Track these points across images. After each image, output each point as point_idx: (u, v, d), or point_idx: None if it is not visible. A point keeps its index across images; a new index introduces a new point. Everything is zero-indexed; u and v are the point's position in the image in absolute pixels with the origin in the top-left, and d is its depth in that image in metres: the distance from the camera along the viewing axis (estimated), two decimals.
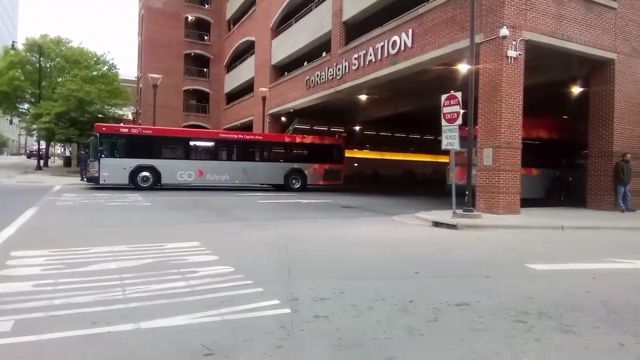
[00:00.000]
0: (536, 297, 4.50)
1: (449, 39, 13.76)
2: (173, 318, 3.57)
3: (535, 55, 12.90)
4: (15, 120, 47.78)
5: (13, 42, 36.32)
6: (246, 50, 33.93)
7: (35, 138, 40.42)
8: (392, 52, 16.24)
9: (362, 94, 20.86)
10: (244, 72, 33.96)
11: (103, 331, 3.29)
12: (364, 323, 3.62)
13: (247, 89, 33.33)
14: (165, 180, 19.09)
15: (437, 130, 11.53)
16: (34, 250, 6.05)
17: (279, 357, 2.92)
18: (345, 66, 19.24)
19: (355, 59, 18.49)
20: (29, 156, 54.82)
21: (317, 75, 21.58)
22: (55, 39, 36.40)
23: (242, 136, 22.08)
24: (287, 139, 22.65)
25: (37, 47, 33.84)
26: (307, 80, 22.51)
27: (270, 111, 26.74)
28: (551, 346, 3.24)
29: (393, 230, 9.63)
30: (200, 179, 19.79)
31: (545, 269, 6.00)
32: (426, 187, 26.94)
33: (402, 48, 15.78)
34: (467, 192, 10.93)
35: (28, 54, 35.21)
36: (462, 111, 10.64)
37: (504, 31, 11.70)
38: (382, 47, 16.80)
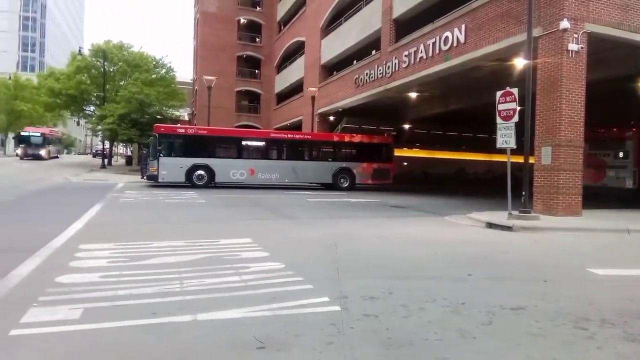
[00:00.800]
0: (598, 303, 4.27)
1: (504, 34, 13.24)
2: (227, 311, 3.72)
3: (599, 48, 12.13)
4: (82, 121, 51.03)
5: (80, 48, 38.88)
6: (296, 50, 34.37)
7: (99, 138, 43.07)
8: (444, 48, 15.87)
9: (412, 92, 20.53)
10: (294, 72, 34.41)
11: (163, 321, 3.48)
12: (414, 323, 3.59)
13: (296, 89, 33.75)
14: (218, 178, 19.74)
15: (492, 128, 11.14)
16: (100, 244, 6.48)
17: (330, 353, 2.96)
18: (395, 64, 19.01)
19: (405, 56, 18.23)
20: (94, 155, 58.51)
21: (366, 73, 21.47)
22: (117, 44, 38.59)
23: (291, 136, 22.40)
24: (335, 138, 22.72)
25: (102, 53, 36.03)
26: (356, 79, 22.46)
27: (319, 111, 26.93)
28: (615, 355, 3.07)
29: (444, 230, 9.43)
30: (252, 178, 20.29)
31: (607, 274, 5.66)
32: (480, 186, 26.09)
33: (455, 44, 15.38)
34: (523, 193, 10.49)
35: (93, 59, 37.54)
36: (518, 108, 10.22)
37: (565, 24, 11.10)
38: (434, 43, 16.45)
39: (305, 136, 23.06)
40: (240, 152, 20.66)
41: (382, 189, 22.02)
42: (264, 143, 21.50)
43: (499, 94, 10.63)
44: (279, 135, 22.98)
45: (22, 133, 41.76)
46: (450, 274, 5.52)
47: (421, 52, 17.15)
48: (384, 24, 20.52)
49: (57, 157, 47.32)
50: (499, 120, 10.59)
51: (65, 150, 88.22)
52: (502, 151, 10.93)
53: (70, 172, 26.16)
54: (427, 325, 3.53)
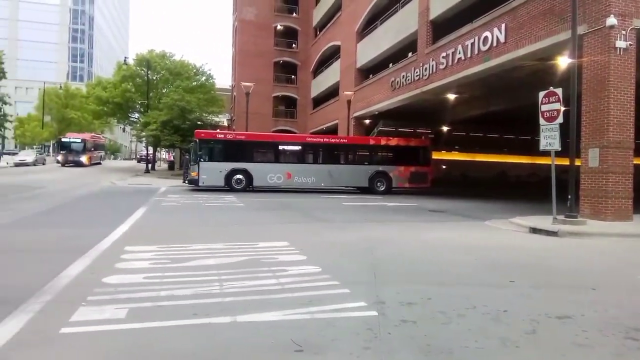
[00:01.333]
0: None
1: (546, 32, 12.78)
2: (265, 313, 3.77)
3: None
4: (127, 128, 53.26)
5: (125, 57, 40.61)
6: (332, 55, 34.51)
7: (144, 144, 44.78)
8: (483, 48, 15.50)
9: (450, 94, 20.16)
10: (330, 76, 34.56)
11: (203, 322, 3.57)
12: (453, 330, 3.52)
13: (332, 93, 33.87)
14: (256, 182, 20.07)
15: (534, 130, 10.77)
16: (144, 246, 6.72)
17: (367, 358, 2.95)
18: (432, 65, 18.74)
19: (443, 57, 17.94)
20: (139, 160, 60.93)
21: (403, 76, 21.27)
22: (160, 54, 40.04)
23: (327, 140, 22.47)
24: (371, 142, 22.61)
25: (145, 62, 37.48)
26: (392, 81, 22.29)
27: (355, 114, 26.89)
28: None
29: (485, 235, 9.18)
30: (289, 182, 20.50)
31: None
32: (522, 190, 25.21)
33: (494, 44, 14.99)
34: (569, 197, 10.06)
35: (137, 68, 39.12)
36: (562, 109, 9.83)
37: (612, 20, 10.59)
38: (472, 44, 16.10)
39: (341, 140, 23.07)
40: (277, 157, 20.93)
41: (420, 192, 21.69)
42: (300, 147, 21.68)
43: (541, 94, 10.28)
44: (315, 139, 23.11)
45: (62, 139, 41.34)
46: (491, 280, 5.37)
47: (459, 53, 16.83)
48: (421, 25, 20.28)
49: (99, 163, 46.73)
50: (542, 121, 10.23)
51: (112, 156, 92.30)
52: (546, 153, 10.55)
53: (116, 177, 27.30)
54: (466, 333, 3.45)
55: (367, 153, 22.19)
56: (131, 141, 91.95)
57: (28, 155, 39.80)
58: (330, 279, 5.03)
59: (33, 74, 79.91)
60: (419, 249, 7.38)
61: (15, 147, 63.28)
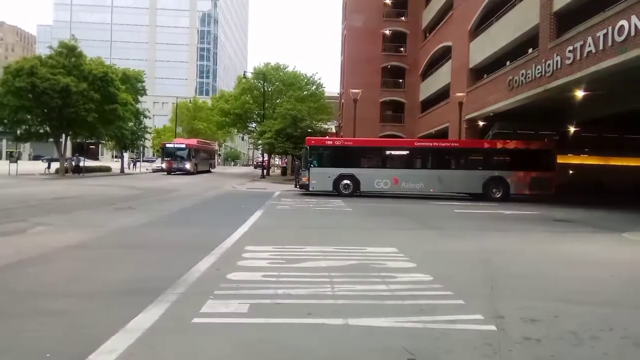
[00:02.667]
0: None
1: None
2: (377, 319, 3.79)
3: None
4: (246, 137, 57.36)
5: (244, 72, 43.98)
6: (442, 56, 33.38)
7: (260, 151, 47.81)
8: (619, 39, 13.70)
9: (578, 91, 18.16)
10: (440, 78, 33.45)
11: (317, 322, 3.71)
12: (586, 354, 3.18)
13: (442, 95, 32.72)
14: (363, 187, 20.18)
15: None
16: (262, 246, 7.18)
17: None
18: (557, 61, 17.07)
19: (569, 52, 16.25)
20: (255, 167, 65.32)
21: (522, 74, 19.71)
22: (275, 66, 42.61)
23: (437, 144, 21.73)
24: (486, 145, 21.29)
25: (262, 75, 40.15)
26: (510, 80, 20.79)
27: (467, 116, 25.60)
28: None
29: (622, 250, 8.10)
30: (396, 187, 20.24)
31: None
32: None
33: (633, 33, 13.16)
34: None
35: (255, 80, 42.05)
36: None
37: None
38: (605, 35, 14.33)
39: (452, 144, 22.14)
40: (385, 162, 20.81)
41: (542, 200, 19.85)
42: (408, 152, 21.29)
43: None
44: (423, 143, 22.51)
45: (166, 145, 38.69)
46: (630, 300, 4.73)
47: (589, 45, 15.09)
48: (543, 18, 18.63)
49: (208, 171, 44.35)
50: None
51: (232, 163, 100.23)
52: None
53: (236, 182, 29.58)
54: (602, 357, 3.10)
55: (481, 157, 20.96)
56: (249, 149, 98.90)
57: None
58: (442, 288, 4.87)
59: (167, 90, 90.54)
60: (543, 262, 6.77)
61: (153, 155, 71.88)
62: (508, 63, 22.18)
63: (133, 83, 38.43)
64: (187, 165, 36.73)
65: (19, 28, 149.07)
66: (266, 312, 3.97)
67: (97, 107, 29.05)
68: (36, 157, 39.63)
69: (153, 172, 39.54)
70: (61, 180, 25.38)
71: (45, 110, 28.47)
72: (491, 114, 23.81)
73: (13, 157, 32.53)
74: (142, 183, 24.77)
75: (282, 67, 42.94)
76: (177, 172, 36.36)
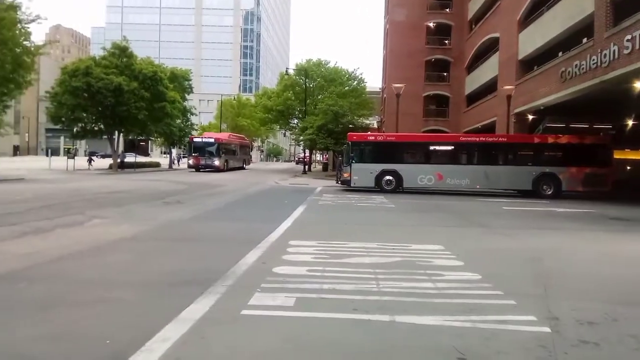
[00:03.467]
0: None
1: None
2: (424, 317, 3.74)
3: None
4: (287, 133, 57.98)
5: (286, 68, 44.38)
6: (488, 48, 32.26)
7: (301, 147, 48.15)
8: None
9: (637, 82, 17.04)
10: (486, 71, 32.37)
11: (364, 318, 3.71)
12: None
13: (488, 88, 31.66)
14: (406, 183, 19.87)
15: None
16: (305, 241, 7.24)
17: None
18: (614, 51, 16.08)
19: (627, 41, 15.26)
20: (297, 162, 65.93)
21: (575, 65, 18.71)
22: (316, 62, 42.71)
23: (484, 138, 21.03)
24: (536, 140, 20.40)
25: (304, 71, 40.37)
26: (562, 72, 19.79)
27: (516, 110, 24.63)
28: None
29: None
30: (440, 183, 19.81)
31: None
32: None
33: None
34: None
35: (297, 77, 42.35)
36: None
37: None
38: None
39: (500, 138, 21.35)
40: (428, 157, 20.40)
41: (597, 197, 18.83)
42: (453, 147, 20.76)
43: None
44: (469, 138, 21.87)
45: (194, 140, 35.49)
46: None
47: None
48: (598, 6, 17.58)
49: (242, 167, 41.19)
50: None
51: (275, 158, 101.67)
52: None
53: (278, 177, 29.98)
54: None
55: (531, 152, 20.12)
56: (290, 145, 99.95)
57: None
58: (492, 288, 4.73)
59: (213, 88, 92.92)
60: (598, 262, 6.44)
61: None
62: (560, 54, 21.15)
63: (180, 81, 39.72)
64: (216, 162, 33.88)
65: (74, 30, 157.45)
66: (312, 306, 4.01)
67: (147, 105, 30.27)
68: (91, 154, 41.67)
69: (187, 168, 37.27)
70: (113, 175, 26.66)
71: (100, 109, 29.96)
72: (541, 108, 22.80)
73: (70, 154, 34.52)
74: (188, 178, 25.59)
75: (323, 62, 43.00)
76: (205, 169, 33.67)
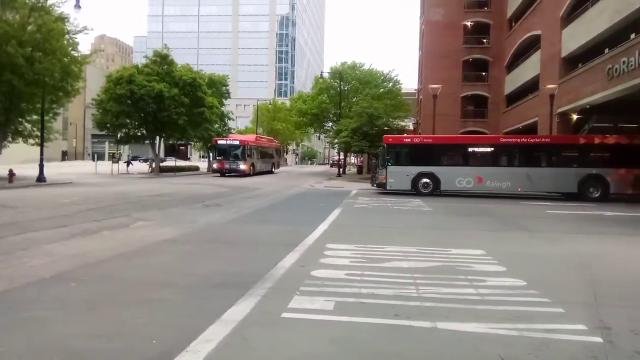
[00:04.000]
0: None
1: None
2: (467, 323, 3.64)
3: None
4: (322, 136, 58.21)
5: (321, 72, 44.63)
6: (529, 46, 31.23)
7: (336, 150, 48.17)
8: None
9: None
10: (527, 70, 31.34)
11: (405, 324, 3.65)
12: None
13: (530, 88, 30.63)
14: (444, 186, 19.50)
15: None
16: (342, 244, 7.23)
17: None
18: None
19: None
20: (331, 165, 65.99)
21: (623, 62, 17.82)
22: (351, 65, 42.70)
23: (526, 139, 20.35)
24: (582, 141, 19.55)
25: (338, 74, 40.43)
26: (609, 69, 18.89)
27: (559, 110, 23.70)
28: None
29: None
30: (479, 186, 19.31)
31: None
32: None
33: None
34: None
35: (331, 80, 42.47)
36: None
37: None
38: None
39: (543, 139, 20.60)
40: (467, 160, 19.93)
41: None
42: (493, 149, 20.21)
43: None
44: (510, 139, 21.23)
45: (218, 142, 33.12)
46: None
47: None
48: None
49: (270, 171, 38.92)
50: None
51: (309, 161, 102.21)
52: None
53: (313, 180, 30.10)
54: None
55: (577, 154, 19.30)
56: (325, 147, 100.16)
57: None
58: (538, 295, 4.56)
59: (249, 93, 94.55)
60: None
61: None
62: (606, 50, 20.21)
63: (218, 87, 40.65)
64: (242, 166, 31.89)
65: (118, 40, 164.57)
66: (352, 310, 3.99)
67: (186, 111, 31.16)
68: (134, 158, 43.24)
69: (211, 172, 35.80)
70: (154, 179, 27.54)
71: (142, 115, 31.10)
72: (587, 107, 21.86)
73: (115, 158, 35.97)
74: (225, 181, 26.08)
75: (358, 65, 42.93)
76: (230, 174, 31.96)
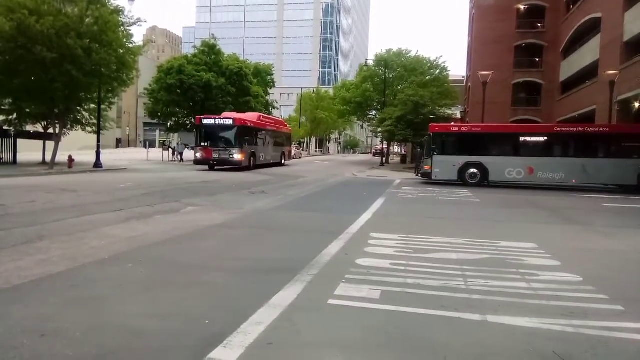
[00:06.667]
0: None
1: None
2: (518, 318, 3.54)
3: None
4: (365, 125, 57.74)
5: (366, 60, 44.09)
6: (588, 30, 29.36)
7: (379, 139, 47.63)
8: None
9: None
10: (585, 55, 29.52)
11: (453, 316, 3.60)
12: None
13: (587, 74, 28.87)
14: (492, 177, 18.88)
15: None
16: (386, 234, 7.19)
17: None
18: None
19: None
20: (374, 154, 65.44)
21: None
22: (397, 52, 41.89)
23: (582, 129, 19.28)
24: None
25: (383, 62, 39.80)
26: None
27: (620, 97, 22.22)
28: None
29: None
30: (530, 177, 18.54)
31: None
32: None
33: None
34: None
35: (376, 68, 41.88)
36: None
37: None
38: None
39: (602, 129, 19.44)
40: (518, 150, 19.16)
41: None
42: (546, 138, 19.30)
43: None
44: (565, 128, 20.19)
45: (203, 121, 23.66)
46: None
47: None
48: None
49: (280, 163, 30.21)
50: None
51: (352, 150, 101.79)
52: None
53: (356, 170, 29.98)
54: None
55: (638, 144, 18.11)
56: (367, 136, 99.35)
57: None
58: (594, 291, 4.35)
59: (293, 81, 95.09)
60: None
61: None
62: None
63: (263, 76, 41.17)
64: (236, 155, 23.10)
65: (168, 31, 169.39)
66: (398, 300, 3.97)
67: (233, 100, 31.83)
68: (185, 145, 44.71)
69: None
70: (201, 166, 28.31)
71: (191, 104, 32.04)
72: None
73: (165, 146, 37.38)
74: (267, 169, 26.37)
75: (404, 52, 42.02)
76: (219, 167, 23.92)
